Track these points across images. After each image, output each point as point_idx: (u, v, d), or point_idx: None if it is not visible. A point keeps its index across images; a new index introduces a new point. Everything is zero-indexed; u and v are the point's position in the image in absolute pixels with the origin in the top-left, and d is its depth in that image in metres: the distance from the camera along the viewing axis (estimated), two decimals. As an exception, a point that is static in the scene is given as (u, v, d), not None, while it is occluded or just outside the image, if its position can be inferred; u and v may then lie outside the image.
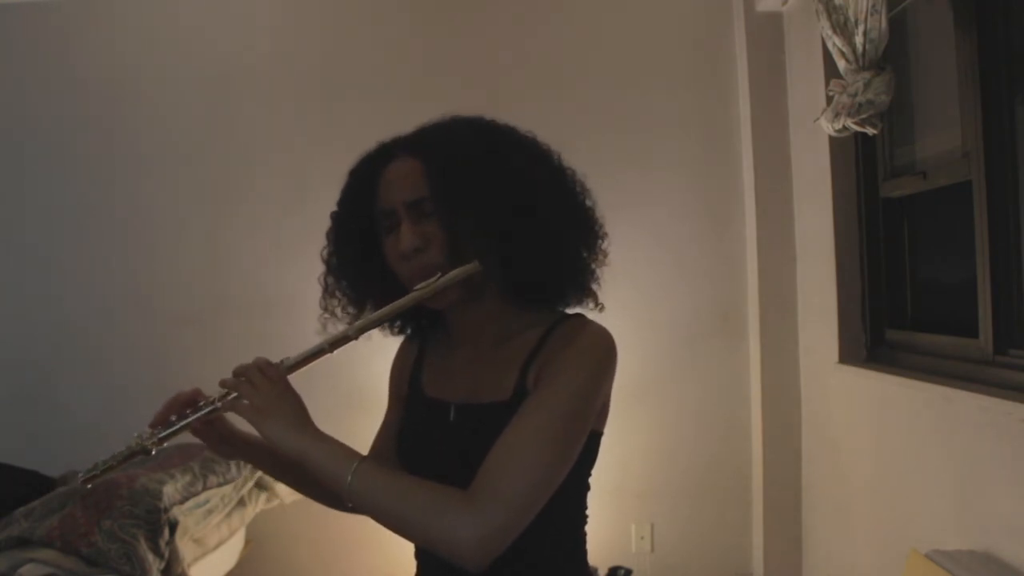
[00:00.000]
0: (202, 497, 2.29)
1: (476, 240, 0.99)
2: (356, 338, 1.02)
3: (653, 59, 3.00)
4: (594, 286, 1.10)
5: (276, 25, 3.05)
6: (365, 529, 2.84)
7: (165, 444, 1.00)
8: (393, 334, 1.19)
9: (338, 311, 1.10)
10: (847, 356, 2.51)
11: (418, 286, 1.00)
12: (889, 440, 2.20)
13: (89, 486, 1.00)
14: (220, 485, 2.39)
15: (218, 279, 2.99)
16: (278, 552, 2.91)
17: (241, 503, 2.50)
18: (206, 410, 0.99)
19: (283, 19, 3.05)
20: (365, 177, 1.08)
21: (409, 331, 1.20)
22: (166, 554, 2.03)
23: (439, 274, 1.00)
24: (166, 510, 2.09)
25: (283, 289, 2.92)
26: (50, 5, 3.01)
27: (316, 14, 3.04)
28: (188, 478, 2.30)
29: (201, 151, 3.01)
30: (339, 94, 3.00)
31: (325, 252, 1.13)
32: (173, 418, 0.99)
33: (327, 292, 1.12)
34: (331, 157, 2.91)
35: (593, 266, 1.09)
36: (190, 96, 3.02)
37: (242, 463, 2.51)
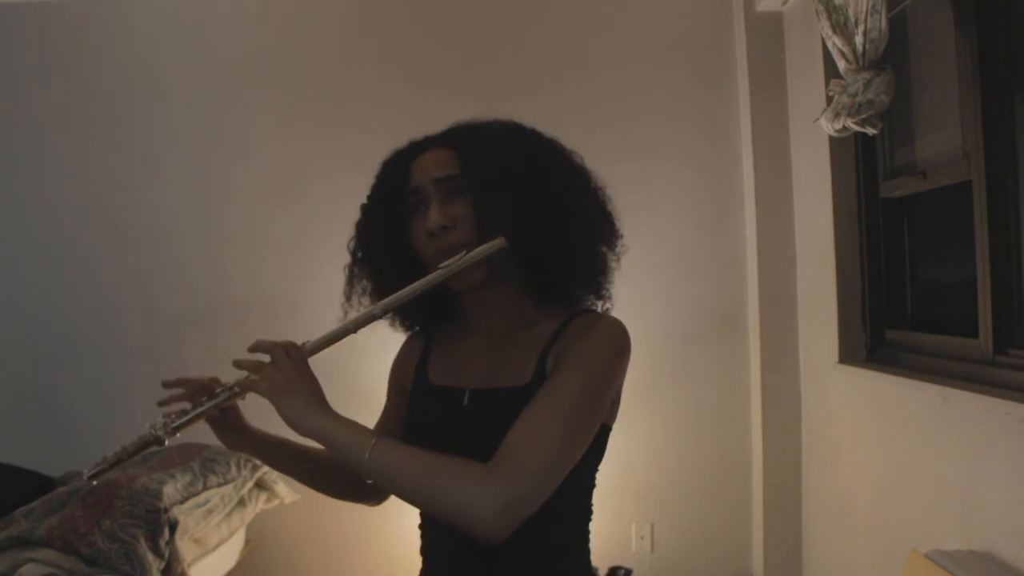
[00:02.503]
0: (202, 497, 2.29)
1: (504, 217, 1.02)
2: (381, 317, 1.04)
3: (653, 59, 3.00)
4: (607, 285, 1.14)
5: (277, 25, 3.05)
6: (365, 529, 2.86)
7: (179, 435, 0.99)
8: (403, 329, 1.21)
9: (362, 301, 1.12)
10: (847, 356, 2.51)
11: (444, 263, 1.02)
12: (889, 440, 2.20)
13: (95, 482, 1.00)
14: (220, 485, 2.39)
15: (218, 279, 2.99)
16: (278, 552, 2.91)
17: (241, 503, 2.50)
18: (223, 396, 1.00)
19: (283, 19, 3.05)
20: (397, 165, 1.11)
21: (417, 328, 1.21)
22: (166, 554, 2.03)
23: (465, 251, 1.02)
24: (166, 510, 2.09)
25: (283, 289, 2.92)
26: (51, 5, 3.01)
27: (316, 14, 3.04)
28: (188, 478, 2.30)
29: (201, 151, 3.01)
30: (340, 94, 3.00)
31: (351, 243, 1.15)
32: (188, 406, 1.00)
33: (350, 281, 1.14)
34: (331, 158, 2.94)
35: (609, 265, 1.13)
36: (191, 96, 3.01)
37: (242, 463, 2.52)
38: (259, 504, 2.59)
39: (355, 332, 1.01)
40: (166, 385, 1.02)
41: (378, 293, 1.11)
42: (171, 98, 3.01)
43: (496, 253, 1.02)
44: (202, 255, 3.01)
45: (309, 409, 0.95)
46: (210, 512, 2.30)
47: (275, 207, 2.98)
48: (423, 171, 1.07)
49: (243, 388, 0.99)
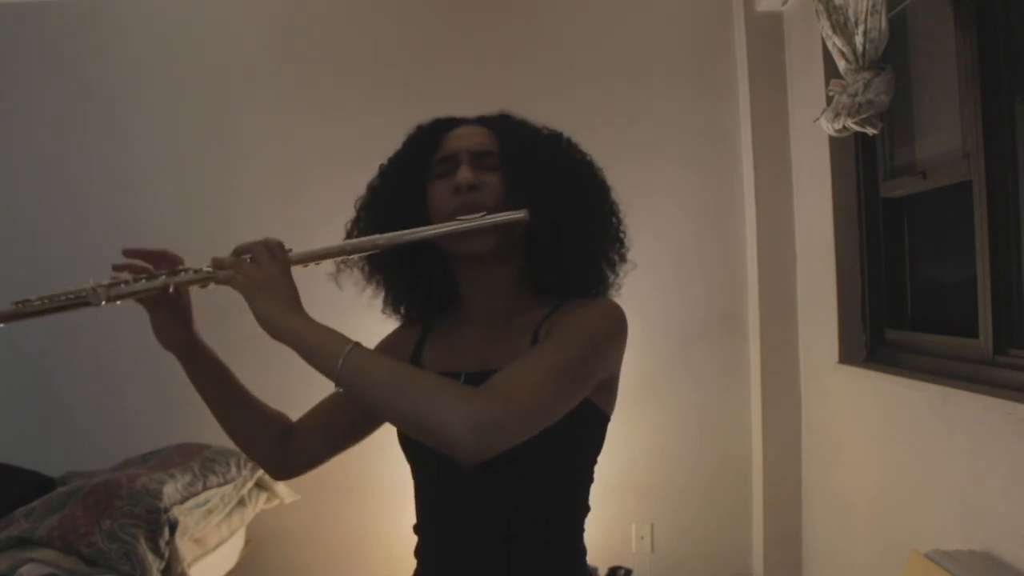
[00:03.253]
0: (202, 497, 2.29)
1: (531, 198, 1.01)
2: (384, 247, 1.00)
3: (653, 59, 3.00)
4: (608, 292, 1.13)
5: (277, 25, 3.05)
6: (365, 529, 2.86)
7: (119, 302, 0.90)
8: (395, 315, 1.16)
9: (363, 267, 1.10)
10: (847, 356, 2.51)
11: (462, 217, 0.99)
12: (889, 440, 2.20)
13: (2, 324, 0.89)
14: (220, 485, 2.39)
15: (218, 279, 2.99)
16: (278, 552, 2.91)
17: (241, 503, 2.50)
18: (188, 276, 0.93)
19: (283, 19, 3.05)
20: (433, 130, 1.09)
21: (412, 315, 1.17)
22: (166, 554, 2.03)
23: (484, 212, 1.00)
24: (166, 510, 2.09)
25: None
26: (51, 5, 3.01)
27: (316, 14, 3.04)
28: (188, 478, 2.30)
29: (201, 151, 3.01)
30: (340, 94, 3.00)
31: (359, 201, 1.12)
32: (143, 277, 0.94)
33: (350, 238, 1.08)
34: (331, 158, 2.94)
35: (613, 275, 1.13)
36: (191, 96, 3.01)
37: (242, 463, 2.51)
38: (259, 504, 2.59)
39: (350, 255, 0.98)
40: (127, 253, 0.95)
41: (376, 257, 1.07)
42: (171, 98, 3.01)
43: (514, 227, 1.00)
44: (202, 255, 3.00)
45: (285, 309, 0.91)
46: (210, 512, 2.30)
47: (275, 207, 2.98)
48: (460, 140, 1.06)
49: (216, 278, 0.93)
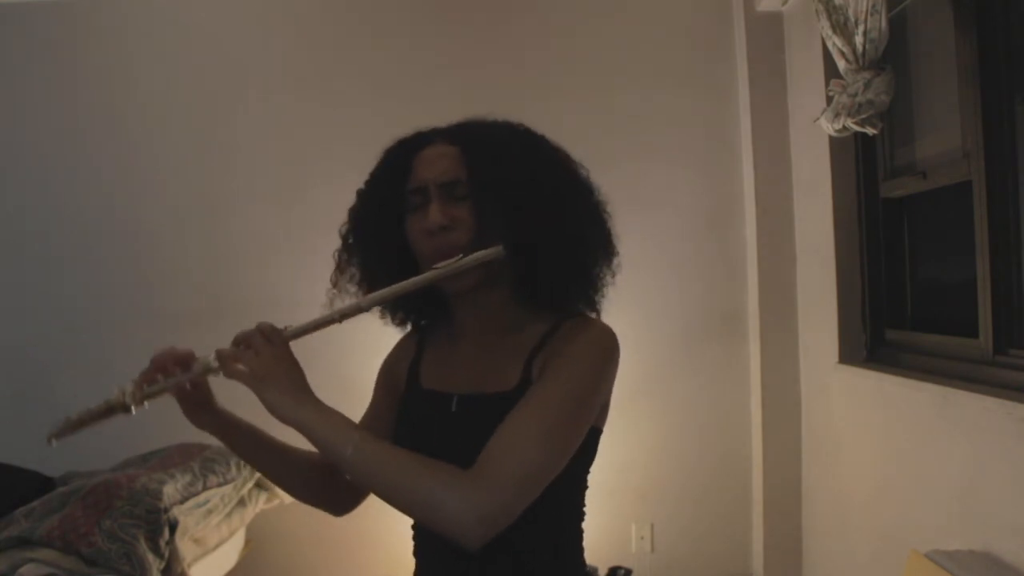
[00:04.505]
0: (202, 497, 2.29)
1: (505, 226, 1.00)
2: (368, 310, 1.02)
3: (653, 59, 3.00)
4: (599, 300, 1.12)
5: (277, 26, 3.05)
6: (366, 529, 2.85)
7: (147, 404, 0.96)
8: (395, 324, 1.19)
9: (349, 288, 1.10)
10: (847, 356, 2.51)
11: (439, 264, 1.01)
12: (889, 440, 2.20)
13: (55, 442, 0.96)
14: (220, 485, 2.39)
15: (218, 279, 2.99)
16: (278, 552, 2.91)
17: (241, 503, 2.50)
18: (199, 371, 0.97)
19: (284, 19, 3.05)
20: (399, 155, 1.09)
21: (410, 325, 1.20)
22: (166, 554, 2.03)
23: (461, 255, 1.00)
24: (166, 510, 2.09)
25: (283, 289, 2.92)
26: (51, 5, 3.01)
27: (317, 14, 3.04)
28: (188, 478, 2.30)
29: (200, 151, 3.01)
30: (340, 94, 3.00)
31: (343, 228, 1.13)
32: (160, 377, 0.97)
33: (339, 268, 1.12)
34: (331, 157, 2.94)
35: (604, 282, 1.11)
36: (189, 96, 3.01)
37: (242, 463, 2.51)
38: (259, 504, 2.59)
39: (340, 322, 0.99)
40: (144, 379, 0.99)
41: (366, 283, 1.09)
42: (171, 98, 3.01)
43: (492, 260, 1.01)
44: (202, 255, 3.01)
45: (291, 397, 0.93)
46: (210, 512, 2.30)
47: (275, 207, 2.98)
48: (427, 169, 1.05)
49: (223, 371, 0.96)
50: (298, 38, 3.04)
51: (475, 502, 0.88)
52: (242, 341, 0.97)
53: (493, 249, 1.00)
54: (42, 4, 3.01)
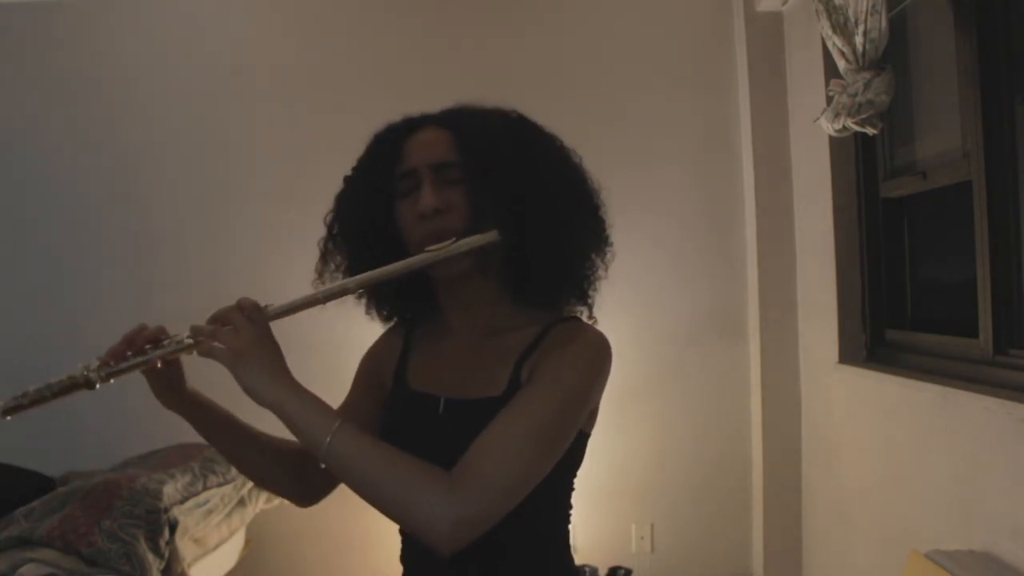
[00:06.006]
0: (202, 497, 2.29)
1: (499, 211, 0.98)
2: (354, 291, 1.00)
3: (653, 59, 3.01)
4: (591, 294, 1.10)
5: (276, 26, 3.05)
6: (366, 529, 2.86)
7: (112, 380, 0.91)
8: (381, 319, 1.16)
9: (336, 277, 1.07)
10: (847, 356, 2.51)
11: (432, 247, 0.98)
12: (889, 440, 2.20)
13: (8, 418, 0.90)
14: (220, 485, 2.39)
15: (218, 279, 2.99)
16: (278, 552, 2.91)
17: (241, 503, 2.50)
18: (171, 348, 0.92)
19: (283, 20, 3.05)
20: (389, 140, 1.07)
21: (395, 320, 1.17)
22: (166, 554, 2.03)
23: (454, 238, 0.97)
24: (166, 510, 2.09)
25: (283, 289, 2.90)
26: (51, 5, 3.01)
27: (315, 16, 3.04)
28: (188, 478, 2.30)
29: (201, 151, 3.01)
30: (339, 95, 3.00)
31: (329, 216, 1.10)
32: (130, 353, 0.92)
33: (324, 256, 1.09)
34: (330, 157, 2.92)
35: (596, 273, 1.09)
36: (189, 96, 3.01)
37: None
38: (259, 504, 2.59)
39: (324, 303, 0.96)
40: (110, 354, 0.95)
41: (353, 271, 1.06)
42: (171, 98, 3.01)
43: (486, 245, 0.98)
44: (202, 255, 3.01)
45: (270, 378, 0.89)
46: (210, 512, 2.30)
47: (275, 207, 2.98)
48: (418, 153, 1.02)
49: (198, 349, 0.91)
50: (298, 38, 3.04)
51: (452, 507, 0.85)
52: (220, 319, 0.92)
53: (487, 233, 0.98)
54: (42, 4, 3.01)
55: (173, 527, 2.08)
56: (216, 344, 0.90)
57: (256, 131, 3.01)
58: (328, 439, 0.86)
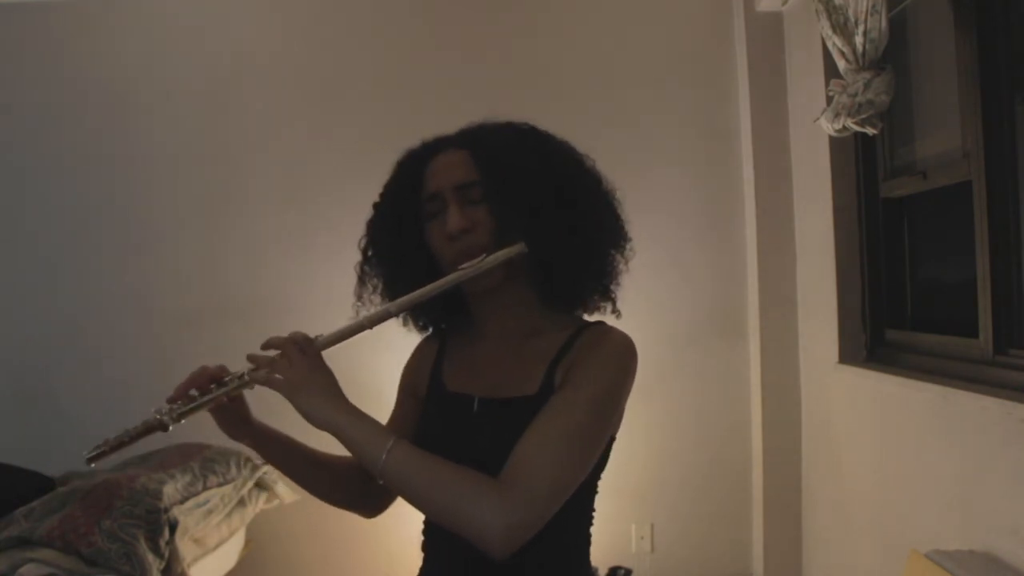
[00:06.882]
0: (202, 497, 2.29)
1: (523, 223, 1.03)
2: (397, 315, 1.06)
3: (653, 59, 3.00)
4: (614, 289, 1.15)
5: (276, 27, 3.05)
6: (366, 529, 2.85)
7: (184, 421, 0.97)
8: (418, 330, 1.21)
9: (373, 299, 1.13)
10: (847, 356, 2.51)
11: (464, 265, 1.03)
12: (889, 440, 2.20)
13: (93, 465, 0.99)
14: (220, 485, 2.39)
15: (218, 279, 2.99)
16: (278, 552, 2.91)
17: (241, 503, 2.50)
18: (232, 385, 0.98)
19: (283, 20, 3.05)
20: (412, 166, 1.12)
21: (431, 329, 1.22)
22: (166, 554, 2.03)
23: (484, 255, 1.03)
24: (166, 510, 2.09)
25: (283, 289, 2.92)
26: (51, 5, 3.01)
27: (315, 16, 3.04)
28: (188, 478, 2.30)
29: (200, 151, 3.01)
30: (338, 96, 2.99)
31: (363, 241, 1.16)
32: (195, 392, 0.98)
33: (361, 280, 1.15)
34: (330, 158, 2.94)
35: (617, 269, 1.14)
36: (189, 97, 3.01)
37: (242, 462, 2.51)
38: (259, 504, 2.59)
39: (370, 328, 1.01)
40: (177, 394, 1.00)
41: (390, 292, 1.12)
42: (171, 98, 3.01)
43: (515, 256, 1.03)
44: (202, 255, 3.01)
45: (327, 404, 0.95)
46: (210, 512, 2.30)
47: (275, 208, 2.98)
48: (441, 176, 1.07)
49: (257, 381, 0.98)
50: (298, 39, 3.04)
51: (502, 513, 0.89)
52: (274, 347, 0.98)
53: (516, 246, 1.03)
54: (42, 4, 3.01)
55: (173, 527, 2.08)
56: (276, 376, 0.97)
57: (256, 131, 3.00)
58: (383, 456, 0.92)
